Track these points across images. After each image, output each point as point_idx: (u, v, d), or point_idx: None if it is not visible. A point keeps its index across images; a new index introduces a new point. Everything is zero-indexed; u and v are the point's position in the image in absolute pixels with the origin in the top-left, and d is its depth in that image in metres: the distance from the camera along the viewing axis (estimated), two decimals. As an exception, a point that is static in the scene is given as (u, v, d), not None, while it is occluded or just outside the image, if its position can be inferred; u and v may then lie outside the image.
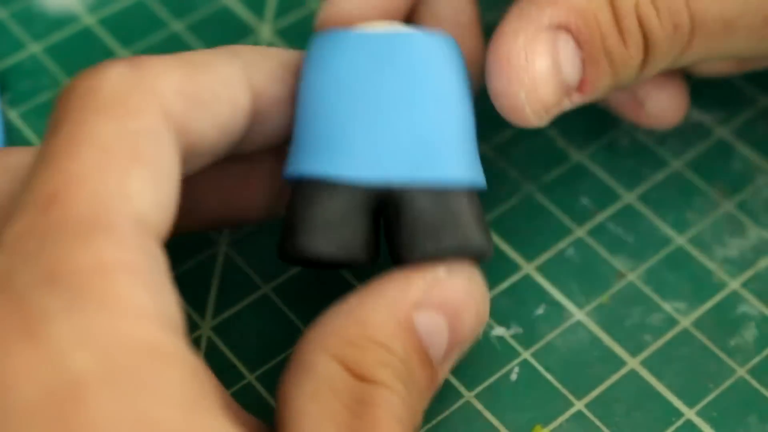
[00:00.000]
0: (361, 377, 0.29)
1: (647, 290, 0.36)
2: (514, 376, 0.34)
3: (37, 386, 0.24)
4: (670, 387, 0.34)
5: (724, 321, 0.35)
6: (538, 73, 0.31)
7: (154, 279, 0.26)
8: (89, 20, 0.42)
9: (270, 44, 0.41)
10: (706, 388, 0.34)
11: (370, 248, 0.31)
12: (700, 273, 0.36)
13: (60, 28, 0.42)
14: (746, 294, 0.35)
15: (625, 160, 0.38)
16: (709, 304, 0.35)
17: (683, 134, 0.39)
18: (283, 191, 0.34)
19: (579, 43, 0.32)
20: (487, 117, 0.35)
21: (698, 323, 0.35)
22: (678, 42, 0.33)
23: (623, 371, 0.34)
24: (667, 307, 0.35)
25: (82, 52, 0.41)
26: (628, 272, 0.36)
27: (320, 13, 0.33)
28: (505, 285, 0.36)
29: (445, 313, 0.31)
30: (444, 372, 0.31)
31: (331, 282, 0.36)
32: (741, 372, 0.34)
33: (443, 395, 0.33)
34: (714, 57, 0.34)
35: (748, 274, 0.36)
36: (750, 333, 0.35)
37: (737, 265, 0.36)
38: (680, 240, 0.37)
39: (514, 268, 0.36)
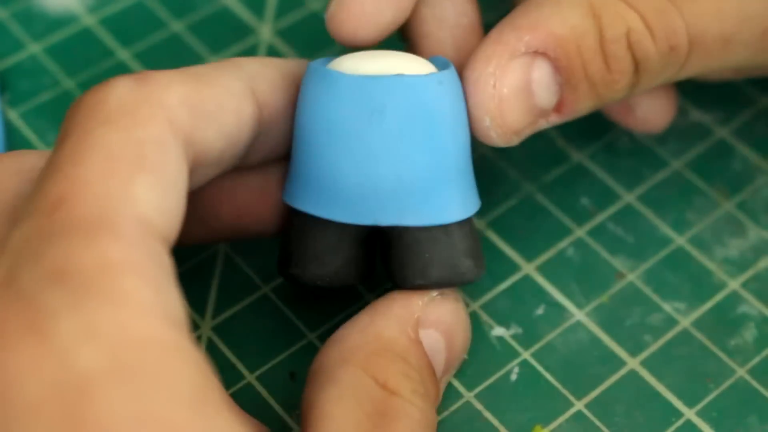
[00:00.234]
0: (386, 387, 0.30)
1: (647, 290, 0.36)
2: (514, 376, 0.34)
3: (44, 383, 0.24)
4: (670, 387, 0.34)
5: (724, 321, 0.35)
6: (506, 100, 0.32)
7: (158, 278, 0.26)
8: (89, 20, 0.42)
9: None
10: (706, 388, 0.34)
11: (361, 272, 0.32)
12: (700, 273, 0.36)
13: (60, 28, 0.42)
14: (746, 294, 0.35)
15: (625, 160, 0.38)
16: (709, 304, 0.35)
17: (683, 134, 0.39)
18: None
19: (557, 69, 0.32)
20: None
21: (698, 323, 0.35)
22: (674, 62, 0.33)
23: (623, 371, 0.34)
24: (667, 307, 0.35)
25: (82, 52, 0.41)
26: (628, 272, 0.36)
27: (331, 8, 0.33)
28: (505, 285, 0.36)
29: (442, 332, 0.32)
30: (441, 391, 0.32)
31: (331, 282, 0.36)
32: (741, 372, 0.34)
33: (443, 395, 0.33)
34: (710, 72, 0.34)
35: (748, 274, 0.36)
36: (750, 333, 0.35)
37: (737, 265, 0.36)
38: (680, 240, 0.37)
39: (514, 268, 0.36)
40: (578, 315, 0.35)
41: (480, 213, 0.37)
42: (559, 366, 0.34)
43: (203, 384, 0.25)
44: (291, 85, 0.32)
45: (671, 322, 0.35)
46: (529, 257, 0.36)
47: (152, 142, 0.28)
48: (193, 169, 0.30)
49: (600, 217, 0.37)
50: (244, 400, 0.33)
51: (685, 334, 0.35)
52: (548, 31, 0.32)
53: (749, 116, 0.39)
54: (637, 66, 0.32)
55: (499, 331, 0.35)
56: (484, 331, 0.35)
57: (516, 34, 0.32)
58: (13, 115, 0.39)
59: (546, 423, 0.33)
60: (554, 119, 0.33)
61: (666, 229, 0.37)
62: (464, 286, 0.33)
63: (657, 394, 0.34)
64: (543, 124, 0.33)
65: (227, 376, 0.34)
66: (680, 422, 0.33)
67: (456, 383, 0.34)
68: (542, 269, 0.36)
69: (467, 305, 0.35)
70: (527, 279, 0.36)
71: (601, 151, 0.39)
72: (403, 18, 0.34)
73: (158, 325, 0.25)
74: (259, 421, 0.31)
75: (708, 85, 0.40)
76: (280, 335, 0.35)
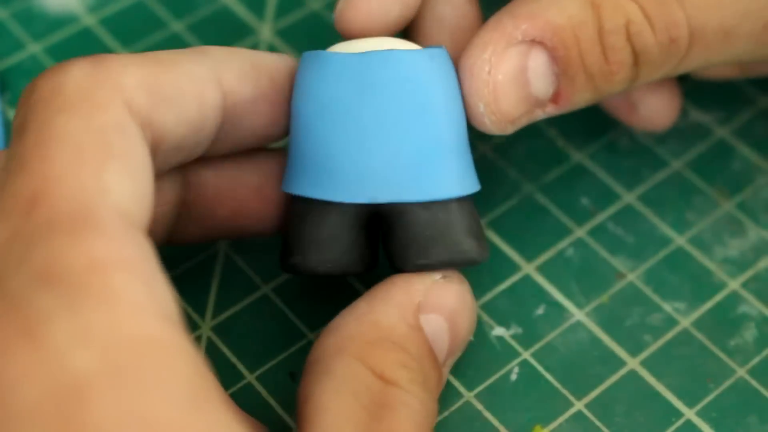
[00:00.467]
0: (382, 377, 0.29)
1: (647, 290, 0.36)
2: (514, 376, 0.34)
3: (39, 387, 0.24)
4: (670, 387, 0.34)
5: (724, 321, 0.35)
6: (500, 87, 0.32)
7: (147, 272, 0.26)
8: (89, 20, 0.42)
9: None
10: (706, 388, 0.34)
11: (365, 259, 0.32)
12: (700, 273, 0.36)
13: (60, 28, 0.42)
14: (746, 294, 0.35)
15: (625, 160, 0.38)
16: (709, 304, 0.35)
17: (683, 134, 0.39)
18: None
19: (554, 59, 0.32)
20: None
21: (698, 323, 0.35)
22: (674, 54, 0.33)
23: (623, 371, 0.34)
24: (667, 307, 0.35)
25: (82, 52, 0.41)
26: (628, 272, 0.36)
27: (339, 5, 0.33)
28: (505, 285, 0.36)
29: (445, 316, 0.31)
30: (445, 375, 0.32)
31: (331, 282, 0.36)
32: (741, 372, 0.34)
33: (443, 395, 0.33)
34: (711, 65, 0.34)
35: (748, 274, 0.36)
36: (750, 333, 0.35)
37: (737, 265, 0.36)
38: (680, 240, 0.37)
39: (514, 268, 0.36)
40: (578, 315, 0.35)
41: (480, 213, 0.37)
42: (559, 366, 0.34)
43: (199, 381, 0.25)
44: (261, 76, 0.32)
45: (671, 322, 0.35)
46: (529, 257, 0.36)
47: (114, 128, 0.28)
48: (154, 154, 0.29)
49: (600, 217, 0.37)
50: (244, 400, 0.33)
51: (685, 334, 0.35)
52: (546, 20, 0.32)
53: (749, 116, 0.39)
54: (636, 58, 0.32)
55: (499, 331, 0.35)
56: (484, 331, 0.35)
57: (513, 22, 0.32)
58: (14, 115, 0.39)
59: (546, 423, 0.33)
60: (551, 110, 0.33)
61: (666, 229, 0.37)
62: (468, 267, 0.32)
63: (657, 394, 0.34)
64: (540, 114, 0.33)
65: (227, 376, 0.34)
66: (680, 422, 0.33)
67: (456, 383, 0.34)
68: (542, 269, 0.36)
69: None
70: (527, 279, 0.36)
71: (601, 151, 0.39)
72: (410, 16, 0.34)
73: (152, 323, 0.25)
74: (259, 421, 0.31)
75: (708, 85, 0.40)
76: (280, 335, 0.35)
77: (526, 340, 0.35)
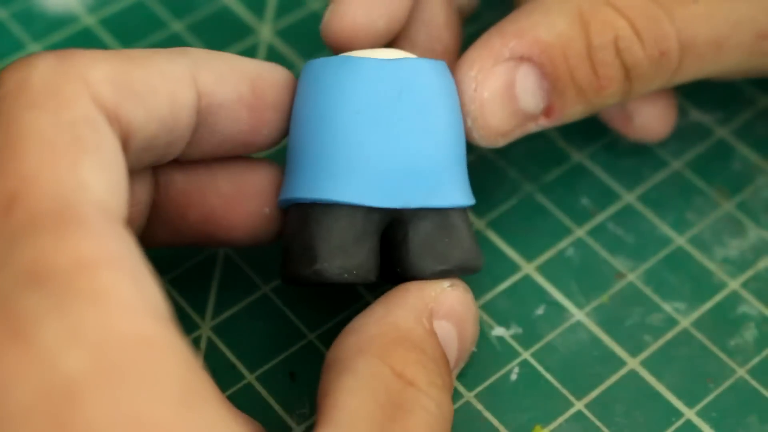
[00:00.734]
0: (402, 376, 0.29)
1: (647, 290, 0.36)
2: (514, 376, 0.34)
3: (31, 389, 0.24)
4: (670, 387, 0.34)
5: (724, 321, 0.35)
6: (486, 104, 0.32)
7: (134, 267, 0.26)
8: (89, 20, 0.42)
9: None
10: (706, 388, 0.34)
11: (379, 268, 0.32)
12: (700, 273, 0.36)
13: (60, 28, 0.42)
14: (746, 294, 0.35)
15: (625, 160, 0.38)
16: (709, 304, 0.35)
17: (683, 134, 0.39)
18: (269, 218, 0.33)
19: (543, 75, 0.32)
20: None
21: (698, 323, 0.35)
22: (666, 67, 0.33)
23: (623, 371, 0.34)
24: (667, 307, 0.35)
25: (82, 52, 0.41)
26: (628, 272, 0.36)
27: (326, 17, 0.33)
28: (505, 285, 0.36)
29: (454, 323, 0.32)
30: (453, 380, 0.32)
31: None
32: (741, 372, 0.34)
33: (443, 395, 0.33)
34: (705, 76, 0.34)
35: (748, 274, 0.36)
36: (750, 333, 0.35)
37: (737, 265, 0.36)
38: (680, 240, 0.37)
39: (514, 268, 0.36)
40: (578, 315, 0.35)
41: (480, 213, 0.37)
42: (559, 366, 0.34)
43: (191, 379, 0.25)
44: (242, 81, 0.31)
45: (671, 322, 0.35)
46: (529, 257, 0.36)
47: (84, 122, 0.27)
48: (124, 149, 0.29)
49: (600, 217, 0.37)
50: (244, 400, 0.33)
51: (685, 334, 0.35)
52: (534, 38, 0.32)
53: (749, 116, 0.39)
54: (627, 72, 0.33)
55: (499, 331, 0.35)
56: (484, 331, 0.35)
57: (502, 40, 0.32)
58: None
59: (546, 423, 0.33)
60: (544, 123, 0.33)
61: (666, 229, 0.37)
62: (468, 276, 0.33)
63: (657, 394, 0.34)
64: (533, 128, 0.33)
65: (227, 376, 0.34)
66: (680, 422, 0.33)
67: (456, 383, 0.34)
68: (542, 269, 0.36)
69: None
70: (527, 279, 0.36)
71: (601, 151, 0.39)
72: (396, 29, 0.34)
73: (142, 321, 0.25)
74: (259, 421, 0.31)
75: (708, 85, 0.40)
76: (280, 335, 0.35)
77: (526, 340, 0.35)
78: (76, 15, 0.42)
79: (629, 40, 0.32)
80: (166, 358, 0.25)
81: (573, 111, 0.33)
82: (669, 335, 0.35)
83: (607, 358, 0.34)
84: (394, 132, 0.31)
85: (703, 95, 0.40)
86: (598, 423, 0.33)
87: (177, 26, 0.42)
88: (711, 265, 0.36)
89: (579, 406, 0.33)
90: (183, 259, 0.36)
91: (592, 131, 0.39)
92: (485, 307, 0.35)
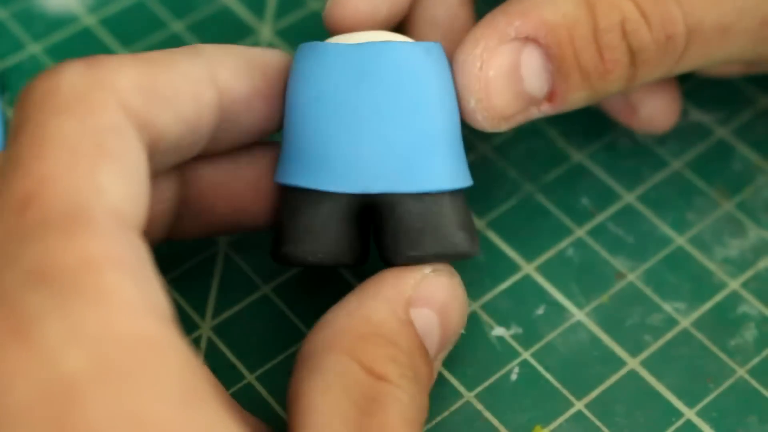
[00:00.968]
0: (372, 372, 0.29)
1: (647, 290, 0.36)
2: (514, 376, 0.34)
3: (31, 388, 0.24)
4: (670, 387, 0.34)
5: (724, 321, 0.35)
6: (492, 83, 0.32)
7: (139, 270, 0.26)
8: (89, 20, 0.42)
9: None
10: (706, 388, 0.34)
11: (355, 251, 0.32)
12: (700, 273, 0.36)
13: (60, 28, 0.42)
14: (746, 294, 0.35)
15: (625, 160, 0.38)
16: (709, 304, 0.35)
17: (683, 134, 0.39)
18: None
19: (548, 57, 0.32)
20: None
21: (698, 323, 0.35)
22: (671, 52, 0.32)
23: (623, 371, 0.34)
24: (667, 307, 0.35)
25: (82, 52, 0.41)
26: (628, 272, 0.36)
27: (328, 3, 0.33)
28: (505, 285, 0.36)
29: (436, 310, 0.31)
30: (437, 368, 0.32)
31: (331, 282, 0.36)
32: (741, 372, 0.34)
33: (443, 395, 0.33)
34: (709, 64, 0.34)
35: (748, 274, 0.36)
36: (750, 333, 0.35)
37: (737, 265, 0.36)
38: (680, 240, 0.37)
39: (514, 268, 0.36)
40: (578, 315, 0.35)
41: (480, 213, 0.37)
42: (559, 366, 0.34)
43: (191, 379, 0.25)
44: (255, 72, 0.32)
45: (671, 322, 0.35)
46: (529, 257, 0.36)
47: (109, 129, 0.28)
48: (151, 155, 0.29)
49: (600, 217, 0.37)
50: (244, 400, 0.33)
51: (685, 334, 0.35)
52: (540, 18, 0.32)
53: (749, 116, 0.39)
54: (632, 56, 0.32)
55: (499, 331, 0.35)
56: (484, 331, 0.35)
57: (506, 19, 0.32)
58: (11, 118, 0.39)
59: (546, 423, 0.33)
60: (546, 109, 0.33)
61: (666, 229, 0.37)
62: (459, 261, 0.32)
63: (657, 394, 0.34)
64: (535, 113, 0.33)
65: (227, 376, 0.34)
66: (680, 422, 0.33)
67: (456, 383, 0.34)
68: (542, 269, 0.36)
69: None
70: (527, 279, 0.36)
71: (601, 151, 0.39)
72: (400, 15, 0.34)
73: (144, 322, 0.25)
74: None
75: (708, 85, 0.40)
76: (280, 335, 0.35)
77: (526, 340, 0.35)
78: (76, 15, 0.42)
79: (636, 23, 0.32)
80: (166, 358, 0.25)
81: (576, 97, 0.33)
82: (669, 335, 0.35)
83: (607, 358, 0.34)
84: (356, 117, 0.31)
85: (703, 95, 0.40)
86: (598, 423, 0.33)
87: (177, 26, 0.42)
88: (711, 265, 0.36)
89: (579, 406, 0.33)
90: (183, 259, 0.36)
91: (592, 131, 0.39)
92: (485, 307, 0.35)
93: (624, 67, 0.32)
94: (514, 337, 0.35)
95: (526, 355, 0.34)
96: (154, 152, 0.30)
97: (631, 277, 0.36)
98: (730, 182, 0.38)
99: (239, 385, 0.34)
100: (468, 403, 0.33)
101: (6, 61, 0.41)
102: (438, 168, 0.31)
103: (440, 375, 0.34)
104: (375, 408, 0.29)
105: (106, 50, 0.41)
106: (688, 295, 0.35)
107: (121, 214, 0.27)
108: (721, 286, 0.36)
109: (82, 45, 0.41)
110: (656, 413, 0.33)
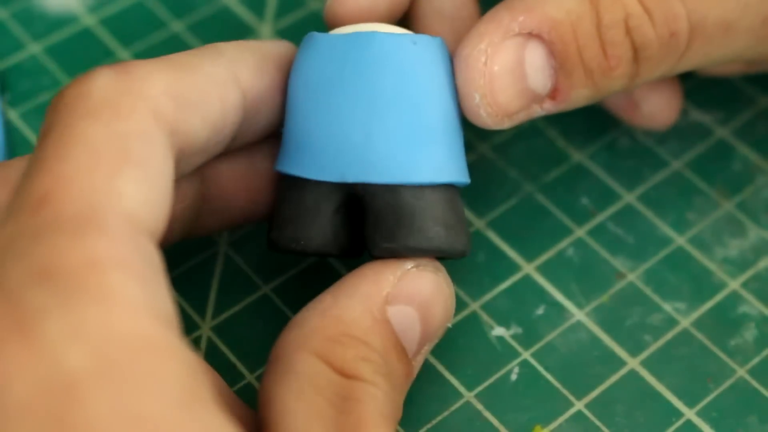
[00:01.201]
0: (342, 373, 0.29)
1: (647, 290, 0.36)
2: (514, 376, 0.34)
3: (32, 385, 0.24)
4: (670, 387, 0.34)
5: (724, 321, 0.35)
6: (496, 78, 0.32)
7: (146, 274, 0.26)
8: (89, 20, 0.42)
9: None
10: (706, 388, 0.34)
11: (340, 241, 0.32)
12: (700, 273, 0.36)
13: (60, 28, 0.42)
14: (746, 294, 0.35)
15: (625, 160, 0.38)
16: (709, 304, 0.35)
17: (683, 134, 0.39)
18: None
19: (551, 53, 0.32)
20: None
21: (698, 323, 0.35)
22: (674, 49, 0.32)
23: (623, 371, 0.34)
24: (667, 307, 0.35)
25: (82, 52, 0.41)
26: (628, 272, 0.36)
27: (328, 2, 0.33)
28: (505, 285, 0.36)
29: (416, 306, 0.31)
30: (417, 366, 0.32)
31: (331, 281, 0.36)
32: (741, 372, 0.34)
33: (443, 395, 0.33)
34: (711, 62, 0.34)
35: (748, 274, 0.36)
36: (750, 333, 0.35)
37: (737, 265, 0.36)
38: (680, 240, 0.37)
39: (514, 268, 0.36)
40: (578, 315, 0.35)
41: (480, 213, 0.37)
42: (559, 366, 0.34)
43: (191, 381, 0.25)
44: (272, 67, 0.32)
45: (671, 322, 0.35)
46: (529, 257, 0.36)
47: (136, 135, 0.28)
48: (179, 160, 0.30)
49: (600, 217, 0.37)
50: (244, 400, 0.33)
51: (685, 334, 0.35)
52: (543, 14, 0.32)
53: (749, 116, 0.39)
54: (636, 53, 0.32)
55: (499, 331, 0.35)
56: (484, 331, 0.35)
57: (510, 15, 0.32)
58: (14, 115, 0.39)
59: (546, 423, 0.33)
60: (549, 106, 0.33)
61: (666, 229, 0.37)
62: (450, 259, 0.32)
63: (657, 394, 0.34)
64: (537, 111, 0.33)
65: (227, 376, 0.34)
66: (680, 422, 0.33)
67: (456, 383, 0.34)
68: (542, 269, 0.36)
69: (467, 304, 0.35)
70: (527, 279, 0.36)
71: (601, 151, 0.39)
72: (400, 11, 0.34)
73: (145, 323, 0.25)
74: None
75: (708, 85, 0.40)
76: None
77: (526, 340, 0.35)
78: (76, 15, 0.42)
79: (640, 19, 0.32)
80: (166, 359, 0.25)
81: (579, 94, 0.33)
82: (669, 335, 0.35)
83: (607, 358, 0.34)
84: (337, 105, 0.31)
85: (703, 95, 0.40)
86: (598, 423, 0.33)
87: (177, 26, 0.42)
88: (711, 265, 0.36)
89: (579, 406, 0.33)
90: (183, 259, 0.36)
91: (592, 131, 0.39)
92: (485, 307, 0.35)
93: (627, 63, 0.32)
94: (514, 337, 0.35)
95: (526, 355, 0.34)
96: (182, 156, 0.30)
97: (631, 277, 0.36)
98: (730, 182, 0.38)
99: (239, 385, 0.34)
100: (468, 403, 0.33)
101: (6, 61, 0.41)
102: (419, 161, 0.31)
103: (440, 375, 0.34)
104: (350, 406, 0.28)
105: (106, 50, 0.41)
106: (688, 295, 0.35)
107: (135, 219, 0.27)
108: (721, 286, 0.36)
109: (82, 45, 0.41)
110: (656, 413, 0.33)
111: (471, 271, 0.36)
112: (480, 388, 0.34)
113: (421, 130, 0.31)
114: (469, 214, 0.37)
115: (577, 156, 0.39)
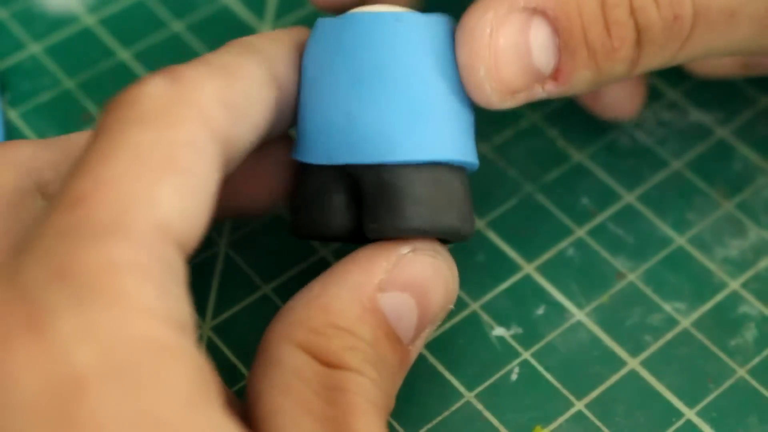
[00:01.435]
0: (328, 364, 0.29)
1: (647, 290, 0.36)
2: (514, 376, 0.34)
3: (40, 381, 0.24)
4: (670, 387, 0.34)
5: (724, 321, 0.35)
6: (501, 51, 0.31)
7: (164, 281, 0.26)
8: (89, 20, 0.42)
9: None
10: (706, 388, 0.34)
11: (349, 226, 0.31)
12: (700, 273, 0.36)
13: (60, 28, 0.42)
14: (746, 294, 0.35)
15: (625, 160, 0.38)
16: (709, 304, 0.35)
17: (683, 134, 0.39)
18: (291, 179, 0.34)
19: (556, 30, 0.31)
20: (487, 117, 0.35)
21: (698, 323, 0.35)
22: (677, 35, 0.32)
23: (623, 371, 0.34)
24: (667, 307, 0.35)
25: (82, 52, 0.41)
26: (628, 272, 0.36)
27: None
28: (505, 285, 0.36)
29: (411, 292, 0.31)
30: (416, 350, 0.31)
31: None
32: (741, 372, 0.34)
33: (443, 395, 0.33)
34: (711, 53, 0.34)
35: (748, 274, 0.36)
36: (750, 333, 0.35)
37: (737, 265, 0.36)
38: (680, 240, 0.37)
39: (514, 268, 0.36)
40: (578, 315, 0.35)
41: (480, 213, 0.37)
42: (559, 366, 0.34)
43: (200, 385, 0.25)
44: (298, 56, 0.32)
45: (671, 322, 0.35)
46: (529, 257, 0.36)
47: (184, 144, 0.28)
48: (227, 167, 0.29)
49: (600, 217, 0.37)
50: (244, 400, 0.33)
51: (685, 334, 0.35)
52: None
53: (749, 116, 0.39)
54: (639, 35, 0.31)
55: (499, 331, 0.35)
56: (484, 331, 0.35)
57: None
58: (13, 115, 0.39)
59: (546, 423, 0.33)
60: (551, 88, 0.32)
61: (666, 229, 0.37)
62: (449, 242, 0.32)
63: (657, 394, 0.34)
64: (539, 92, 0.32)
65: (227, 376, 0.34)
66: (680, 422, 0.33)
67: (456, 383, 0.34)
68: (542, 269, 0.36)
69: (467, 304, 0.35)
70: (527, 279, 0.36)
71: (601, 151, 0.39)
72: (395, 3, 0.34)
73: (157, 326, 0.25)
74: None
75: (708, 85, 0.40)
76: (280, 335, 0.35)
77: (526, 340, 0.35)
78: (76, 15, 0.42)
79: (644, 0, 0.31)
80: (176, 361, 0.25)
81: (581, 77, 0.32)
82: (669, 335, 0.35)
83: (607, 358, 0.34)
84: (321, 90, 0.31)
85: (703, 95, 0.40)
86: (598, 423, 0.33)
87: (177, 26, 0.42)
88: (711, 265, 0.36)
89: (579, 406, 0.33)
90: (183, 259, 0.36)
91: (592, 131, 0.39)
92: (485, 307, 0.35)
93: (630, 45, 0.32)
94: (514, 337, 0.35)
95: (526, 355, 0.34)
96: (230, 163, 0.30)
97: (631, 277, 0.36)
98: (730, 182, 0.38)
99: (239, 385, 0.34)
100: (468, 403, 0.33)
101: (6, 61, 0.41)
102: (397, 139, 0.31)
103: (440, 375, 0.34)
104: (337, 396, 0.28)
105: (106, 50, 0.41)
106: (688, 295, 0.35)
107: (167, 228, 0.27)
108: (721, 286, 0.36)
109: (82, 45, 0.41)
110: (656, 413, 0.33)
111: (471, 271, 0.36)
112: (480, 388, 0.34)
113: (402, 108, 0.31)
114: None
115: (577, 156, 0.39)
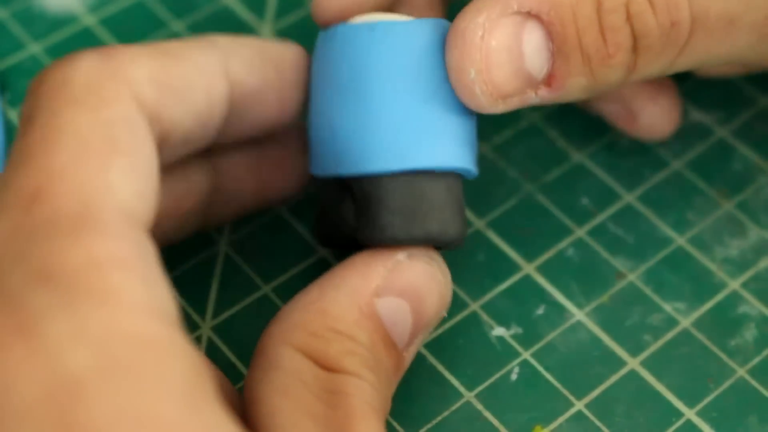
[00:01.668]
0: (328, 367, 0.29)
1: (647, 290, 0.36)
2: (514, 376, 0.34)
3: (35, 386, 0.24)
4: (670, 387, 0.34)
5: (724, 321, 0.35)
6: (493, 53, 0.31)
7: (146, 271, 0.26)
8: (89, 20, 0.42)
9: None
10: (706, 388, 0.34)
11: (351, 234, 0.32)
12: (700, 273, 0.36)
13: (60, 28, 0.42)
14: (746, 294, 0.35)
15: (625, 160, 0.38)
16: (709, 304, 0.35)
17: (683, 134, 0.39)
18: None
19: (550, 35, 0.31)
20: (487, 117, 0.35)
21: (698, 323, 0.35)
22: (675, 41, 0.31)
23: (623, 371, 0.34)
24: (667, 307, 0.35)
25: (82, 52, 0.41)
26: (628, 272, 0.36)
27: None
28: (505, 285, 0.36)
29: (407, 298, 0.31)
30: (410, 356, 0.31)
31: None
32: (741, 372, 0.34)
33: (443, 395, 0.33)
34: (711, 61, 0.33)
35: (748, 274, 0.36)
36: (750, 333, 0.35)
37: (737, 265, 0.36)
38: (680, 240, 0.37)
39: (514, 268, 0.36)
40: (578, 315, 0.35)
41: (480, 213, 0.37)
42: (559, 366, 0.34)
43: (195, 380, 0.25)
44: (268, 65, 0.32)
45: (671, 322, 0.35)
46: (529, 257, 0.36)
47: (121, 123, 0.27)
48: (160, 148, 0.29)
49: (600, 217, 0.37)
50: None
51: (685, 334, 0.35)
52: None
53: (749, 116, 0.39)
54: (635, 41, 0.31)
55: (499, 331, 0.35)
56: (484, 331, 0.35)
57: None
58: (14, 115, 0.39)
59: (546, 423, 0.33)
60: (544, 93, 0.31)
61: (666, 229, 0.37)
62: (442, 249, 0.32)
63: (657, 394, 0.34)
64: (532, 98, 0.31)
65: (227, 376, 0.34)
66: (680, 422, 0.33)
67: (456, 383, 0.34)
68: (542, 269, 0.36)
69: (467, 304, 0.35)
70: (527, 279, 0.36)
71: (601, 151, 0.39)
72: (387, 4, 0.34)
73: (148, 322, 0.25)
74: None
75: (708, 85, 0.40)
76: (280, 335, 0.35)
77: (526, 340, 0.35)
78: (76, 15, 0.42)
79: (641, 5, 0.31)
80: (170, 358, 0.25)
81: (575, 83, 0.31)
82: (669, 335, 0.35)
83: (607, 358, 0.34)
84: (313, 103, 0.32)
85: (703, 95, 0.40)
86: (598, 423, 0.33)
87: (177, 26, 0.42)
88: (711, 265, 0.36)
89: (579, 406, 0.33)
90: (183, 259, 0.36)
91: (592, 131, 0.39)
92: (485, 307, 0.35)
93: (626, 52, 0.31)
94: (514, 337, 0.35)
95: (526, 355, 0.34)
96: (164, 145, 0.29)
97: (631, 277, 0.36)
98: (730, 182, 0.38)
99: (239, 385, 0.34)
100: (468, 403, 0.33)
101: (6, 61, 0.41)
102: (372, 150, 0.31)
103: (440, 375, 0.34)
104: (338, 399, 0.28)
105: (106, 50, 0.41)
106: (688, 295, 0.35)
107: (130, 213, 0.27)
108: (721, 286, 0.36)
109: (82, 45, 0.41)
110: (656, 413, 0.33)
111: (471, 271, 0.36)
112: (480, 388, 0.34)
113: (377, 118, 0.31)
114: (469, 214, 0.37)
115: (577, 156, 0.39)
